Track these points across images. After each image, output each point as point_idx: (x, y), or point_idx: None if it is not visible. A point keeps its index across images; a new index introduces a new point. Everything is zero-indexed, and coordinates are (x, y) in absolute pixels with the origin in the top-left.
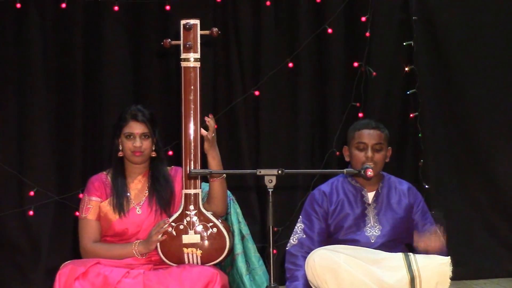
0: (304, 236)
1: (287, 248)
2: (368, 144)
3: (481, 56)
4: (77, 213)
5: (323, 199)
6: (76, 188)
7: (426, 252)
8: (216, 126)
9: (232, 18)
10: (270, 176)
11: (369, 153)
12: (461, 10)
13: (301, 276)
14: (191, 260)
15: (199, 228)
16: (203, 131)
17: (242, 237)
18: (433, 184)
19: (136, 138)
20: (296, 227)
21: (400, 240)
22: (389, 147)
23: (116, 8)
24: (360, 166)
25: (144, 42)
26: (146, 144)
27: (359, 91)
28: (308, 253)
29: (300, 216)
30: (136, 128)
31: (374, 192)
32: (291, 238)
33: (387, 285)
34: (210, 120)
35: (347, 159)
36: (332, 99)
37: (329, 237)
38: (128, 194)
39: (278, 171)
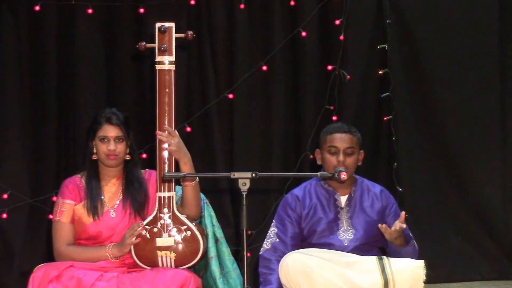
0: (278, 240)
1: (260, 253)
2: (339, 148)
3: (455, 59)
4: (50, 216)
5: (296, 203)
6: (50, 191)
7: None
8: (189, 129)
9: (206, 21)
10: (244, 179)
11: (341, 157)
12: (434, 14)
13: (275, 280)
14: (165, 263)
15: (173, 231)
16: (166, 146)
17: (216, 240)
18: (407, 187)
19: (110, 142)
20: (269, 231)
21: (374, 244)
22: (361, 151)
23: (90, 10)
24: (332, 170)
25: (119, 45)
26: (120, 148)
27: (333, 94)
28: (282, 257)
29: (274, 221)
30: (111, 131)
31: (347, 195)
32: (264, 242)
33: None
34: (161, 135)
35: (319, 162)
36: (306, 102)
37: (303, 241)
38: (102, 197)
39: (252, 174)
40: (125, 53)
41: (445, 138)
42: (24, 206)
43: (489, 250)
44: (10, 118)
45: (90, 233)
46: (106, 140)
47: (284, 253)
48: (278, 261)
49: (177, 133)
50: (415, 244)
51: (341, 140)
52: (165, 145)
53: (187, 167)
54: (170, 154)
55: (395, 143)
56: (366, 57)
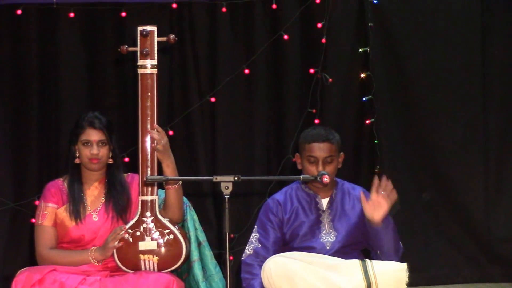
0: (260, 245)
1: (242, 258)
2: (318, 158)
3: (437, 62)
4: (33, 220)
5: (277, 208)
6: (32, 195)
7: (371, 218)
8: (172, 133)
9: (188, 24)
10: (226, 183)
11: (320, 167)
12: (416, 17)
13: (258, 284)
14: (147, 266)
15: (156, 235)
16: (148, 145)
17: (199, 244)
18: None
19: (93, 145)
20: (251, 237)
21: (356, 246)
22: (341, 153)
23: (71, 14)
24: None
25: (101, 49)
26: (103, 152)
27: (315, 98)
28: (264, 262)
29: (255, 226)
30: (93, 135)
31: (328, 198)
32: (246, 248)
33: None
34: (152, 132)
35: (299, 166)
36: (288, 105)
37: (285, 245)
38: (85, 200)
39: (234, 178)
40: (107, 57)
41: (428, 141)
42: (6, 210)
43: (471, 253)
44: None
45: (73, 236)
46: (89, 144)
47: (266, 258)
48: (260, 266)
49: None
50: (394, 226)
51: (319, 149)
52: (148, 145)
53: (169, 169)
54: (153, 157)
55: (377, 146)
56: (348, 60)
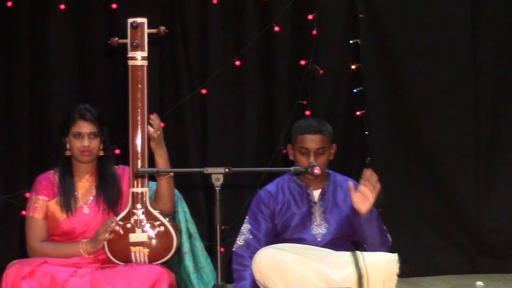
0: (251, 236)
1: (233, 249)
2: (310, 149)
3: (427, 53)
4: (24, 212)
5: (269, 199)
6: (22, 187)
7: (358, 209)
8: (163, 125)
9: (178, 16)
10: (217, 175)
11: (312, 159)
12: (407, 8)
13: (248, 275)
14: (138, 259)
15: (147, 226)
16: (150, 129)
17: (190, 236)
18: (380, 181)
19: (84, 138)
20: (242, 228)
21: (347, 238)
22: (333, 144)
23: (62, 6)
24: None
25: (91, 41)
26: (95, 144)
27: (306, 89)
28: (255, 253)
29: (247, 217)
30: (85, 127)
31: (320, 190)
32: (237, 239)
33: (334, 283)
34: (154, 119)
35: (291, 157)
36: (279, 97)
37: (276, 237)
38: (76, 193)
39: (225, 170)
40: (98, 49)
41: (419, 132)
42: None
43: (462, 244)
44: None
45: (64, 229)
46: (80, 136)
47: (258, 249)
48: (251, 257)
49: None
50: (389, 238)
51: (311, 141)
52: (139, 138)
53: (162, 160)
54: (143, 149)
55: (368, 138)
56: (339, 52)
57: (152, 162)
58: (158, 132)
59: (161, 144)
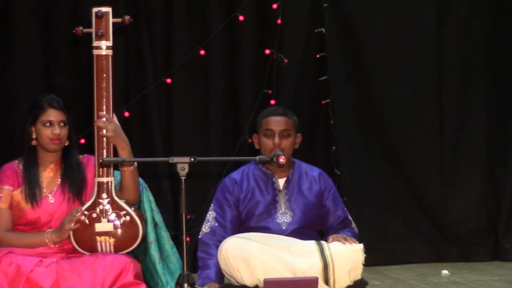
0: (216, 224)
1: (199, 237)
2: (275, 130)
3: (391, 42)
4: None
5: (234, 186)
6: None
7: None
8: (127, 114)
9: (143, 5)
10: (182, 164)
11: (276, 140)
12: None
13: (213, 264)
14: (104, 248)
15: (112, 216)
16: (102, 129)
17: (155, 225)
18: (345, 171)
19: (55, 126)
20: (207, 215)
21: (312, 227)
22: (299, 134)
23: None
24: (268, 153)
25: (56, 30)
26: (64, 132)
27: (271, 78)
28: (221, 241)
29: (212, 204)
30: (55, 115)
31: (285, 178)
32: (203, 226)
33: (299, 272)
34: (98, 121)
35: (257, 146)
36: (244, 86)
37: (241, 225)
38: (41, 183)
39: (190, 159)
40: (63, 38)
41: (384, 121)
42: None
43: (427, 233)
44: None
45: (29, 218)
46: (50, 124)
47: (224, 237)
48: (217, 246)
49: (115, 118)
50: (355, 227)
51: (276, 122)
52: (103, 131)
53: (124, 152)
54: (108, 139)
55: (333, 127)
56: (304, 41)
57: (117, 152)
58: (110, 128)
59: (121, 137)
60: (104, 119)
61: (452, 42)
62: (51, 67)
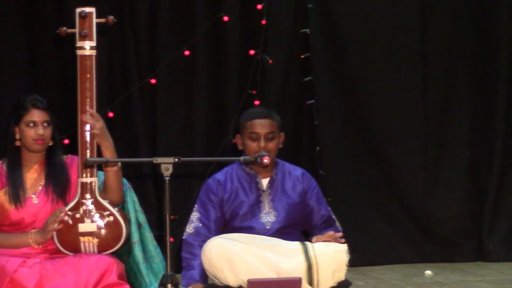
0: (200, 225)
1: (183, 237)
2: (260, 134)
3: (376, 43)
4: None
5: (217, 187)
6: None
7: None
8: (111, 115)
9: (128, 5)
10: (166, 164)
11: (262, 143)
12: None
13: (197, 265)
14: (87, 248)
15: (96, 216)
16: (87, 128)
17: (139, 226)
18: (329, 171)
19: (38, 126)
20: (191, 216)
21: (296, 227)
22: (282, 133)
23: None
24: (253, 156)
25: (40, 30)
26: (48, 132)
27: (255, 79)
28: (205, 241)
29: (196, 205)
30: (39, 116)
31: (269, 178)
32: (186, 227)
33: (283, 272)
34: (85, 117)
35: (240, 147)
36: (228, 86)
37: (225, 225)
38: (24, 183)
39: (174, 159)
40: (47, 38)
41: (368, 122)
42: None
43: (410, 233)
44: None
45: (13, 219)
46: (33, 125)
47: (208, 237)
48: (201, 246)
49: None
50: (339, 226)
51: (261, 126)
52: (87, 128)
53: (108, 152)
54: (92, 139)
55: (317, 127)
56: (289, 42)
57: (101, 152)
58: (97, 125)
59: (106, 137)
60: (92, 116)
61: (436, 40)
62: (35, 67)
